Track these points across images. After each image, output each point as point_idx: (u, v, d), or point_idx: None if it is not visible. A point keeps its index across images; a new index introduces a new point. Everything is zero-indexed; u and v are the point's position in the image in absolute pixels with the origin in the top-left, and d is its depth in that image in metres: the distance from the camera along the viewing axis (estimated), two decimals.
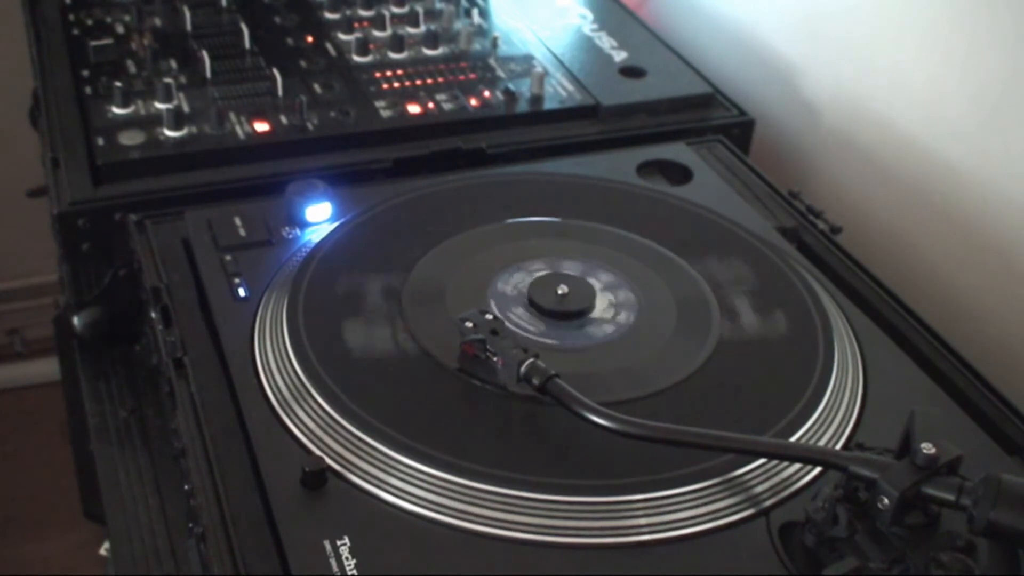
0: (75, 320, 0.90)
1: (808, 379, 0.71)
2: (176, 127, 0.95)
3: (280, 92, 1.02)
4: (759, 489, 0.63)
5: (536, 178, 0.92)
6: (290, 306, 0.74)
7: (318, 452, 0.64)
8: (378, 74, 1.07)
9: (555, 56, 1.12)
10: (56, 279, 1.15)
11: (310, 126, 0.98)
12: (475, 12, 1.18)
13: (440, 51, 1.12)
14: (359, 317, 0.75)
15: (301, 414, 0.67)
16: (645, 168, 0.95)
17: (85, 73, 1.04)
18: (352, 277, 0.78)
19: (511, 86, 1.05)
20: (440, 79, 1.07)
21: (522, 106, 1.04)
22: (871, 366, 0.74)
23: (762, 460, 0.64)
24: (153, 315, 0.77)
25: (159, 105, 0.99)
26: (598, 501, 0.61)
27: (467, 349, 0.69)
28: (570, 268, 0.80)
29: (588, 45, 1.15)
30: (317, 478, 0.62)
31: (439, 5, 1.20)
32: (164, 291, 0.78)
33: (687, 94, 1.08)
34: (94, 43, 1.07)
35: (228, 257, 0.80)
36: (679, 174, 0.95)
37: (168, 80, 1.00)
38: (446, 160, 0.97)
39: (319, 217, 0.84)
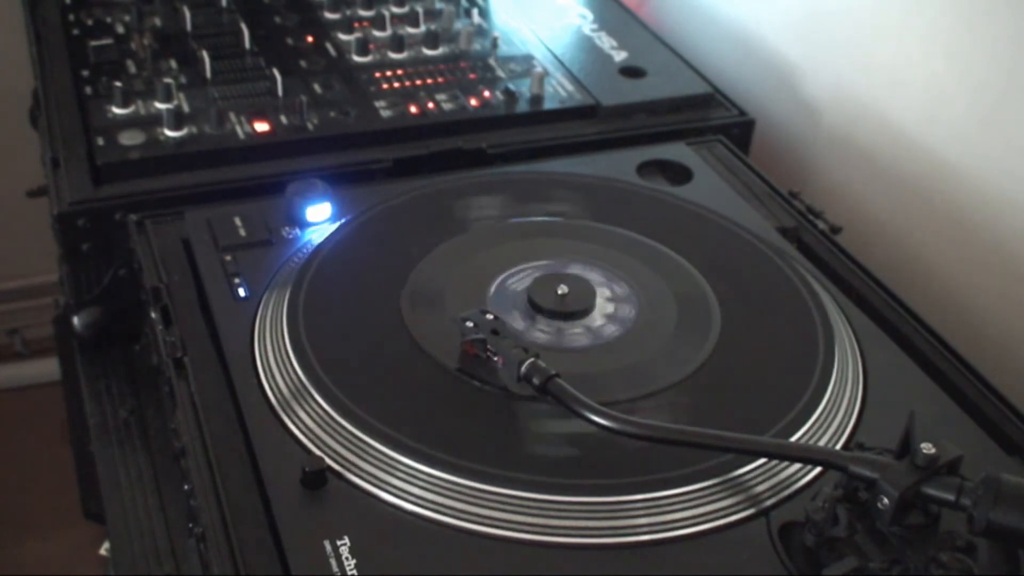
0: (75, 320, 0.90)
1: (808, 379, 0.71)
2: (176, 127, 0.95)
3: (280, 92, 1.02)
4: (759, 489, 0.63)
5: (536, 178, 0.92)
6: (290, 306, 0.74)
7: (318, 452, 0.64)
8: (378, 74, 1.07)
9: (555, 56, 1.12)
10: (56, 279, 1.15)
11: (310, 126, 0.98)
12: (475, 12, 1.18)
13: (440, 51, 1.12)
14: (359, 317, 0.75)
15: (301, 414, 0.67)
16: (645, 168, 0.95)
17: (85, 73, 1.04)
18: (352, 277, 0.78)
19: (511, 86, 1.05)
20: (440, 79, 1.07)
21: (522, 106, 1.04)
22: (871, 366, 0.74)
23: (762, 460, 0.64)
24: (153, 315, 0.77)
25: (159, 105, 0.98)
26: (598, 501, 0.61)
27: (468, 349, 0.69)
28: (570, 268, 0.80)
29: (588, 45, 1.15)
30: (317, 478, 0.62)
31: (439, 5, 1.20)
32: (164, 291, 0.78)
33: (687, 94, 1.08)
34: (94, 43, 1.07)
35: (228, 257, 0.80)
36: (679, 174, 0.95)
37: (168, 80, 1.00)
38: (446, 160, 0.97)
39: (319, 217, 0.84)
